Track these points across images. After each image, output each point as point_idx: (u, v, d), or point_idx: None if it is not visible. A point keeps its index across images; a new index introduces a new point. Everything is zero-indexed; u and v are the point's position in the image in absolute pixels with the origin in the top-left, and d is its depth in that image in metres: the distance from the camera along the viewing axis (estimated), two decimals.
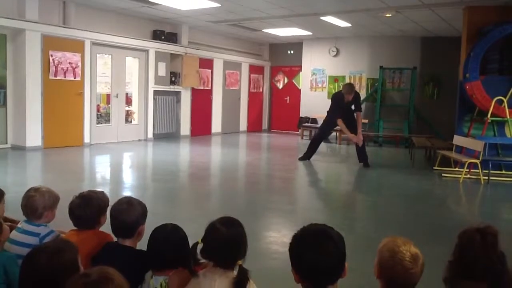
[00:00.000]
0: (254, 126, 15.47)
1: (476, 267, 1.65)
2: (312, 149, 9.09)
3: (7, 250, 2.25)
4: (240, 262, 1.86)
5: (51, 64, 9.18)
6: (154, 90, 11.57)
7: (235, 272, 1.85)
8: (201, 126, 13.20)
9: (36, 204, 2.40)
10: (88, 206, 2.37)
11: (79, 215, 2.37)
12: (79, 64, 9.69)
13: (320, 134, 9.40)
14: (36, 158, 8.39)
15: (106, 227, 2.40)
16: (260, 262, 3.34)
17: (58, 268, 1.57)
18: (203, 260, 1.94)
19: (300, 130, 13.94)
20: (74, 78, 9.64)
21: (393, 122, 12.86)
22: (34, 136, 9.03)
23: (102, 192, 2.57)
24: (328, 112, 9.06)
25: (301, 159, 8.98)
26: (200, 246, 1.89)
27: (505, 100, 7.76)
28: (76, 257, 1.68)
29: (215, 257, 1.87)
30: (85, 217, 2.37)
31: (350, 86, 8.75)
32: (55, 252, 1.62)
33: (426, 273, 1.72)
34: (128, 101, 12.08)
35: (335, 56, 13.94)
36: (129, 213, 2.23)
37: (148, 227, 2.24)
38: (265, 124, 16.06)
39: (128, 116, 11.77)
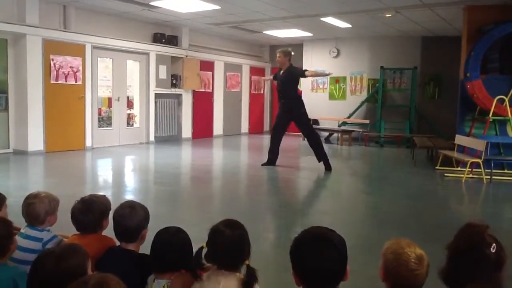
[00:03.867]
0: (255, 128, 15.47)
1: (469, 267, 1.64)
2: (273, 153, 8.32)
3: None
4: (247, 262, 1.87)
5: (52, 68, 9.20)
6: (155, 93, 11.59)
7: (239, 274, 1.86)
8: (202, 129, 13.20)
9: (37, 211, 2.40)
10: (90, 211, 2.37)
11: (81, 220, 2.37)
12: (80, 68, 9.71)
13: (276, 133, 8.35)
14: (38, 162, 8.40)
15: (109, 232, 2.40)
16: (261, 265, 3.34)
17: (65, 273, 1.57)
18: (207, 265, 1.94)
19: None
20: (75, 82, 9.66)
21: (394, 122, 12.84)
22: (36, 141, 9.04)
23: (104, 196, 2.57)
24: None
25: (264, 164, 8.27)
26: (204, 251, 1.89)
27: (506, 99, 7.75)
28: (84, 262, 1.68)
29: (220, 260, 1.87)
30: (87, 222, 2.37)
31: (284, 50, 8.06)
32: (62, 257, 1.63)
33: (430, 274, 1.71)
34: (130, 104, 12.11)
35: (335, 57, 13.95)
36: (132, 218, 2.24)
37: (151, 231, 2.25)
38: (266, 126, 16.06)
39: (129, 119, 11.80)
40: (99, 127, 10.80)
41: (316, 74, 9.69)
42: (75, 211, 2.39)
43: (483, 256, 1.62)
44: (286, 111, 8.03)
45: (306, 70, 8.37)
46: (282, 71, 8.13)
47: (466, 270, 1.63)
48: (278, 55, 8.09)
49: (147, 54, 11.31)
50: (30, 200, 2.43)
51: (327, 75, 8.92)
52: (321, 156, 8.03)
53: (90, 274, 1.44)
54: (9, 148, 9.08)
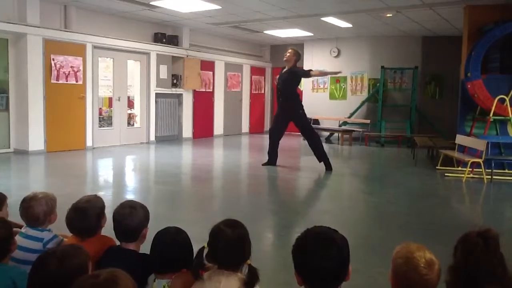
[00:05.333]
0: (256, 128, 15.47)
1: (479, 272, 1.64)
2: (273, 153, 8.29)
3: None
4: (248, 261, 1.87)
5: (53, 68, 9.21)
6: (156, 93, 11.59)
7: (240, 274, 1.86)
8: (203, 128, 13.20)
9: (36, 213, 2.37)
10: (85, 218, 2.34)
11: (78, 228, 2.36)
12: (81, 67, 9.71)
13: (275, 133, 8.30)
14: (39, 162, 8.40)
15: (109, 231, 2.40)
16: (263, 264, 3.34)
17: (67, 273, 1.57)
18: (208, 264, 1.94)
19: None
20: (76, 81, 9.66)
21: (395, 122, 12.84)
22: (36, 140, 9.05)
23: (95, 196, 2.52)
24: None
25: (264, 164, 8.27)
26: (205, 251, 1.89)
27: (507, 99, 7.74)
28: (86, 262, 1.69)
29: (221, 260, 1.87)
30: (84, 229, 2.35)
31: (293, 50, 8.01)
32: (65, 257, 1.63)
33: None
34: (130, 104, 12.12)
35: (336, 57, 13.94)
36: (132, 217, 2.23)
37: (151, 230, 2.25)
38: (267, 126, 16.03)
39: (130, 119, 11.80)
40: (99, 127, 10.80)
41: (323, 74, 9.43)
42: (70, 220, 2.35)
43: (494, 263, 1.63)
44: (285, 109, 8.01)
45: (310, 70, 8.27)
46: (284, 70, 8.10)
47: (480, 280, 1.62)
48: (289, 50, 8.02)
49: (148, 54, 11.31)
50: (27, 204, 2.39)
51: (336, 73, 8.81)
52: (321, 156, 8.02)
53: (100, 270, 1.44)
54: (9, 147, 9.08)
